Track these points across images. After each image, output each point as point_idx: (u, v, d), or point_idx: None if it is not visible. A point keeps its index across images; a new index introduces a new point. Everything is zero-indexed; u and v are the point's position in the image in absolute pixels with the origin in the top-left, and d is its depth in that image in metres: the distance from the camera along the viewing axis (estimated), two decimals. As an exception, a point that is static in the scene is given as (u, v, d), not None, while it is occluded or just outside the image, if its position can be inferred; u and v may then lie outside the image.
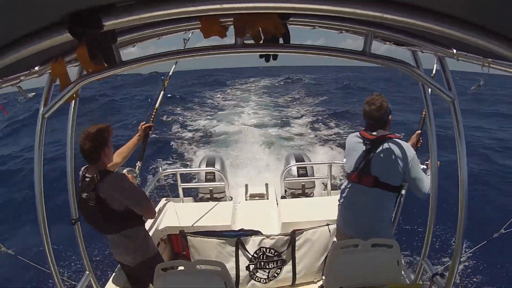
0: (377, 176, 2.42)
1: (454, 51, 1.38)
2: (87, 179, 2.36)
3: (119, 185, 2.34)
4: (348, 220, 2.65)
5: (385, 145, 2.44)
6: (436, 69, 2.40)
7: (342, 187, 2.72)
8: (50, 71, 1.49)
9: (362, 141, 2.56)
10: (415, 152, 2.48)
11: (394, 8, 0.91)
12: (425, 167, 2.69)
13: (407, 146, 2.45)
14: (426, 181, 2.43)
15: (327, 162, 4.55)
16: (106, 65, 1.31)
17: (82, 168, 2.48)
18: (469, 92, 1.45)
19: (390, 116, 2.55)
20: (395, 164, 2.39)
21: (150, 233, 3.40)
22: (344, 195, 2.66)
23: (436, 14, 0.92)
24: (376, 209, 2.47)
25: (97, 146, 2.33)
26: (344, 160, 4.13)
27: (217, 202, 4.25)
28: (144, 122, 3.24)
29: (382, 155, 2.43)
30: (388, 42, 1.73)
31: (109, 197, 2.30)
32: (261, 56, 1.35)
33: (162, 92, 4.00)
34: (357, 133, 2.62)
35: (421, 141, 3.07)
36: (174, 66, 4.15)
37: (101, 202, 2.29)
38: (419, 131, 3.09)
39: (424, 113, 2.84)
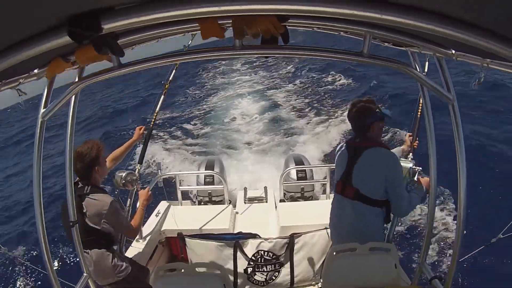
0: (358, 188, 2.27)
1: (453, 51, 1.37)
2: (79, 186, 2.48)
3: (104, 209, 2.44)
4: (335, 228, 2.55)
5: (367, 154, 2.27)
6: (428, 68, 2.41)
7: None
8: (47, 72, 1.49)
9: (346, 148, 2.43)
10: (400, 162, 2.30)
11: (393, 9, 0.91)
12: (414, 179, 2.54)
13: (390, 156, 2.28)
14: (406, 201, 2.24)
15: (327, 165, 4.53)
16: (112, 55, 1.32)
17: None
18: (473, 87, 1.44)
19: (377, 122, 2.34)
20: (375, 176, 2.23)
21: (148, 236, 3.41)
22: (332, 204, 2.57)
23: (435, 15, 0.92)
24: (359, 223, 2.31)
25: (88, 167, 2.46)
26: None
27: (216, 206, 4.23)
28: (142, 126, 3.26)
29: (363, 165, 2.28)
30: (386, 43, 1.74)
31: (89, 212, 2.42)
32: None
33: (162, 97, 3.98)
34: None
35: (417, 141, 2.95)
36: (174, 70, 4.14)
37: (82, 213, 2.40)
38: (410, 133, 3.00)
39: (419, 112, 2.83)
